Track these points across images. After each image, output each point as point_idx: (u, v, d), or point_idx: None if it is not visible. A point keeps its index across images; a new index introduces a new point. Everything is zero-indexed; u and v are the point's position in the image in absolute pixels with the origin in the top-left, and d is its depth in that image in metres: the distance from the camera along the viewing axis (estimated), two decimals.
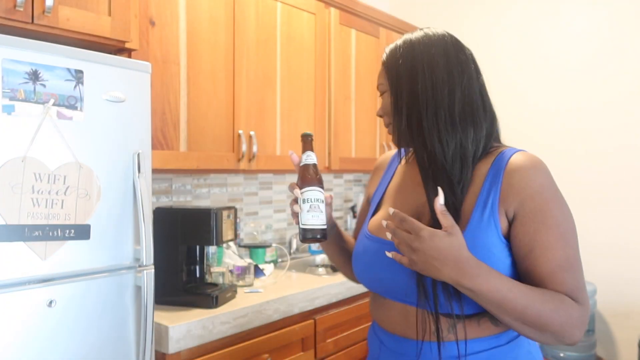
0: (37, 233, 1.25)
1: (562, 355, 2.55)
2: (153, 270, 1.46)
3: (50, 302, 1.28)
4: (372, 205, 1.21)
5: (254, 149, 2.13)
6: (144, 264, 1.44)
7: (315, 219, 1.07)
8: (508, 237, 0.98)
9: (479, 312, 0.99)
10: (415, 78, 1.04)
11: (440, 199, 0.93)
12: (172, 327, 1.53)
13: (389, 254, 0.97)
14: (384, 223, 0.97)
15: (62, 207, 1.29)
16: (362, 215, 1.27)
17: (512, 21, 3.05)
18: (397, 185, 1.18)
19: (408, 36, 1.10)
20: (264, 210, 2.67)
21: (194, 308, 1.71)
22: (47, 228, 1.26)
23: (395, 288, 1.05)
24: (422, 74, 1.04)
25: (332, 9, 2.58)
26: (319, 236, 1.08)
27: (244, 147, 2.10)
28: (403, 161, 1.20)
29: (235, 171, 2.14)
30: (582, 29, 2.82)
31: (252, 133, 2.14)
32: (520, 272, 0.98)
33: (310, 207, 1.08)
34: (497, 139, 1.11)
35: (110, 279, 1.40)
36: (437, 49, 1.06)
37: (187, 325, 1.57)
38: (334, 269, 2.48)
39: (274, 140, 2.28)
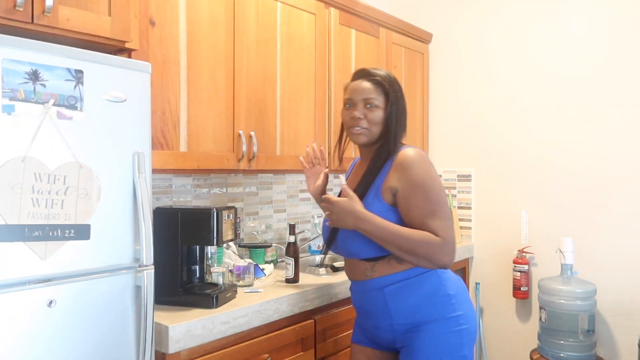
0: (37, 233, 1.25)
1: (562, 355, 2.55)
2: (153, 270, 1.47)
3: (50, 302, 1.28)
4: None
5: (254, 149, 2.13)
6: (144, 264, 1.44)
7: None
8: (394, 204, 1.53)
9: (386, 255, 1.53)
10: (400, 105, 1.62)
11: (343, 181, 1.58)
12: (172, 327, 1.53)
13: (328, 223, 1.58)
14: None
15: (62, 207, 1.29)
16: None
17: (512, 21, 3.05)
18: (350, 179, 1.78)
19: (387, 72, 1.65)
20: (264, 210, 2.67)
21: (194, 308, 1.71)
22: (47, 228, 1.26)
23: (348, 249, 1.62)
24: (402, 102, 1.63)
25: (332, 9, 2.58)
26: None
27: (244, 147, 2.10)
28: (359, 163, 1.77)
29: (235, 171, 2.14)
30: (583, 30, 2.81)
31: (252, 133, 2.14)
32: (408, 224, 1.51)
33: None
34: None
35: (110, 279, 1.40)
36: (400, 86, 1.65)
37: (187, 325, 1.57)
38: (334, 269, 2.48)
39: (274, 140, 2.28)
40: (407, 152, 1.55)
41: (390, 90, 1.61)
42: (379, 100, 1.59)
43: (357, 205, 1.52)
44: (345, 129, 1.67)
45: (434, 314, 1.52)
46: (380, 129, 1.60)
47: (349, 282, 2.14)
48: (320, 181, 1.91)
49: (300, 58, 2.41)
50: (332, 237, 1.66)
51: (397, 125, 1.60)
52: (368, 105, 1.59)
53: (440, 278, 1.56)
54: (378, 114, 1.58)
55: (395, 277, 1.54)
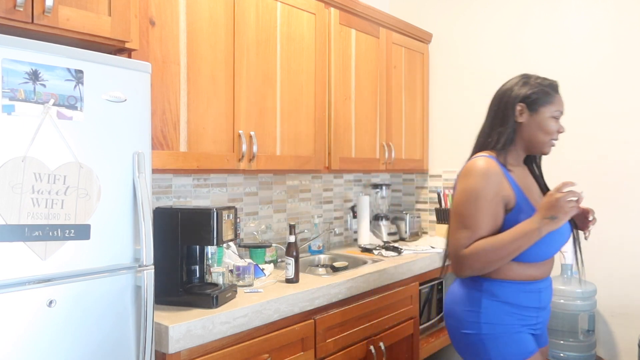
0: (37, 233, 1.25)
1: (562, 355, 2.55)
2: (153, 270, 1.47)
3: (50, 302, 1.28)
4: (524, 201, 1.59)
5: (254, 149, 2.13)
6: (144, 264, 1.44)
7: None
8: None
9: None
10: None
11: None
12: (172, 327, 1.53)
13: (587, 232, 1.68)
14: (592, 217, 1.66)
15: (62, 207, 1.29)
16: (499, 212, 1.56)
17: (512, 21, 3.05)
18: (524, 184, 1.65)
19: None
20: (264, 210, 2.67)
21: (193, 308, 1.71)
22: (47, 228, 1.26)
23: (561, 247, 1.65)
24: None
25: (332, 9, 2.58)
26: None
27: (244, 147, 2.10)
28: (515, 165, 1.68)
29: (235, 171, 2.14)
30: (582, 29, 2.81)
31: (252, 133, 2.14)
32: None
33: None
34: None
35: (110, 279, 1.40)
36: None
37: (187, 325, 1.57)
38: (334, 269, 2.48)
39: (274, 140, 2.28)
40: None
41: None
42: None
43: None
44: (547, 139, 1.67)
45: None
46: None
47: (349, 282, 2.16)
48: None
49: (300, 58, 2.41)
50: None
51: None
52: (558, 118, 1.71)
53: None
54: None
55: None
